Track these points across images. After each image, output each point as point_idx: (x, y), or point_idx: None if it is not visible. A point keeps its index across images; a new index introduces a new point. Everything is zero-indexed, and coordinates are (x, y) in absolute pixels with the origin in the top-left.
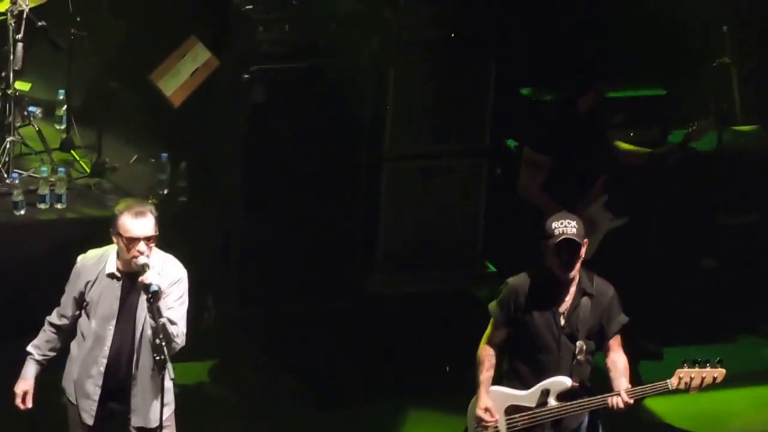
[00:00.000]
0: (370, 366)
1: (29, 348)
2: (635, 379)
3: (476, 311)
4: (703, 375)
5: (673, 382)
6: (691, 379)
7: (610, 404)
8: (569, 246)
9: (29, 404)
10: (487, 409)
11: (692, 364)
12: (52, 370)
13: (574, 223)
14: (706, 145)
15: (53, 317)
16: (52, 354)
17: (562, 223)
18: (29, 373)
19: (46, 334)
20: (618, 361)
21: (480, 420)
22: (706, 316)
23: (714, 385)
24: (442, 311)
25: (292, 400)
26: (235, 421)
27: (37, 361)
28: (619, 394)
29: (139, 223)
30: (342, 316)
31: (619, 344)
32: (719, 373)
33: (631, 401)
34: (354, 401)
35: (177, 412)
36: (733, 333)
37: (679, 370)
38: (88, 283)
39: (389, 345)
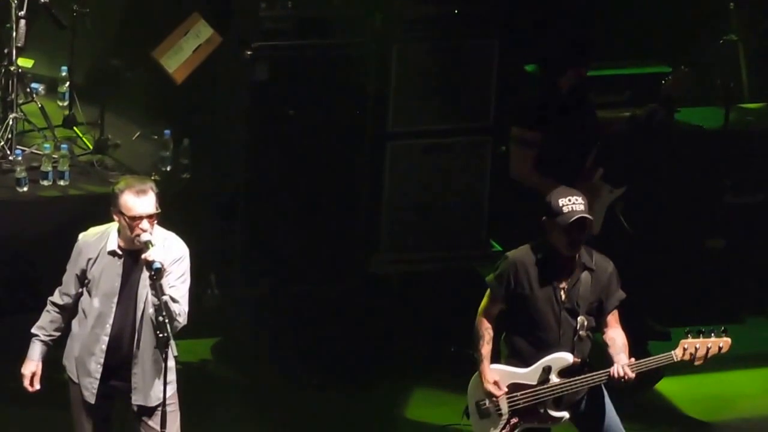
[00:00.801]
0: (374, 345)
1: (34, 330)
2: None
3: (481, 290)
4: (708, 345)
5: (677, 353)
6: (696, 349)
7: (612, 374)
8: (581, 225)
9: (37, 386)
10: (495, 383)
11: (696, 335)
12: (53, 348)
13: (580, 200)
14: (713, 122)
15: (56, 297)
16: (57, 334)
17: (570, 200)
18: (36, 354)
19: (50, 315)
20: (616, 337)
21: (490, 394)
22: (714, 296)
23: (721, 364)
24: (447, 290)
25: (295, 379)
26: (237, 400)
27: (43, 342)
28: (622, 366)
29: (141, 201)
30: (345, 295)
31: (617, 320)
32: (725, 342)
33: (633, 375)
34: (358, 380)
35: (179, 389)
36: (741, 314)
37: (683, 341)
38: (89, 260)
39: (393, 324)
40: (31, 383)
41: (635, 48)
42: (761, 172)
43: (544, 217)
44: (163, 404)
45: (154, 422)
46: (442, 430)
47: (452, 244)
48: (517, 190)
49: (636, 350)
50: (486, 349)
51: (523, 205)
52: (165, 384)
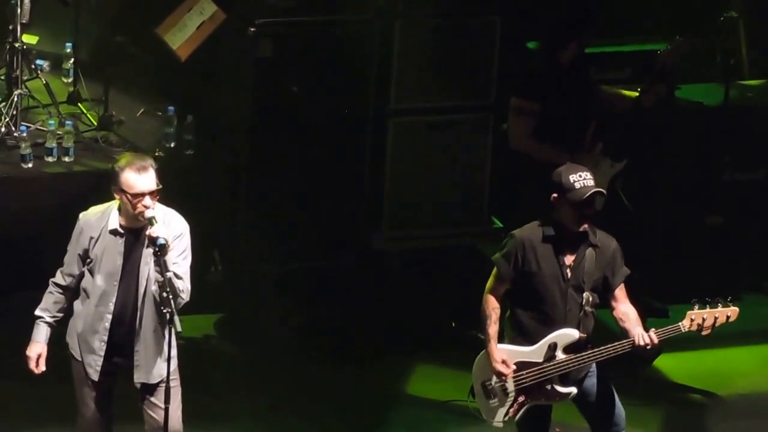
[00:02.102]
0: (376, 321)
1: (38, 312)
2: None
3: (482, 266)
4: (716, 315)
5: (685, 324)
6: (704, 319)
7: (636, 343)
8: (593, 200)
9: (43, 367)
10: (503, 361)
11: (703, 305)
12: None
13: (590, 175)
14: (713, 99)
15: (58, 278)
16: (61, 314)
17: (581, 176)
18: (41, 336)
19: (53, 296)
20: (629, 312)
21: (500, 373)
22: (712, 273)
23: (719, 340)
24: (448, 267)
25: (298, 354)
26: (240, 375)
27: (48, 324)
28: (647, 334)
29: (142, 177)
30: (348, 271)
31: (626, 295)
32: (732, 311)
33: (657, 341)
34: (360, 356)
35: (183, 365)
36: (739, 291)
37: (690, 312)
38: (91, 239)
39: (395, 300)
40: (37, 365)
41: (635, 25)
42: (760, 149)
43: (554, 194)
44: (167, 379)
45: (157, 398)
46: (442, 406)
47: (454, 221)
48: (518, 167)
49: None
50: (493, 329)
51: (525, 181)
52: (169, 359)
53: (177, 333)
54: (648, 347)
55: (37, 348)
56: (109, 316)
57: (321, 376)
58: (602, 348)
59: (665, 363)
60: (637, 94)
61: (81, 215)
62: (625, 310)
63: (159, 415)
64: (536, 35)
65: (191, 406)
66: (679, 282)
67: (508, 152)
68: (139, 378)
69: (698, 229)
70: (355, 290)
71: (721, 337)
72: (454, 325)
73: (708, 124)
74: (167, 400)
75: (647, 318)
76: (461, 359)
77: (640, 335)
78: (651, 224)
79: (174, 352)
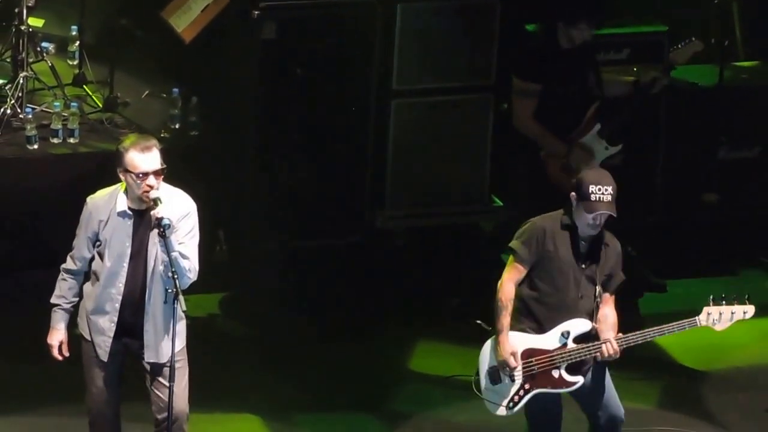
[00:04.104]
0: (380, 299)
1: (54, 300)
2: (634, 313)
3: (482, 245)
4: (733, 310)
5: (701, 319)
6: (720, 315)
7: (602, 352)
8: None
9: (66, 353)
10: (513, 354)
11: (719, 301)
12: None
13: (610, 189)
14: (708, 80)
15: (69, 264)
16: (77, 299)
17: (600, 189)
18: (60, 323)
19: (66, 282)
20: (609, 315)
21: (506, 364)
22: (709, 249)
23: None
24: (450, 245)
25: (302, 332)
26: (245, 354)
27: (65, 310)
28: (611, 343)
29: (146, 157)
30: (351, 249)
31: (613, 300)
32: (749, 308)
33: (618, 352)
34: (363, 334)
35: (188, 344)
36: (736, 266)
37: (707, 307)
38: (100, 222)
39: (398, 278)
40: (60, 352)
41: (632, 7)
42: (755, 129)
43: (573, 194)
44: (171, 359)
45: (165, 379)
46: (446, 381)
47: (455, 200)
48: (519, 146)
49: (631, 301)
50: (507, 320)
51: (524, 161)
52: (174, 339)
53: (182, 312)
54: (612, 357)
55: (58, 335)
56: (119, 297)
57: (325, 353)
58: (587, 345)
59: (664, 337)
60: (635, 79)
61: (88, 199)
62: (606, 312)
63: (166, 396)
64: (536, 17)
65: (196, 385)
66: (678, 258)
67: (508, 132)
68: (149, 357)
69: (696, 206)
70: (358, 268)
71: None
72: (455, 303)
73: (704, 104)
74: (171, 379)
75: (645, 293)
76: (464, 335)
77: (608, 345)
78: (650, 201)
79: (183, 331)
